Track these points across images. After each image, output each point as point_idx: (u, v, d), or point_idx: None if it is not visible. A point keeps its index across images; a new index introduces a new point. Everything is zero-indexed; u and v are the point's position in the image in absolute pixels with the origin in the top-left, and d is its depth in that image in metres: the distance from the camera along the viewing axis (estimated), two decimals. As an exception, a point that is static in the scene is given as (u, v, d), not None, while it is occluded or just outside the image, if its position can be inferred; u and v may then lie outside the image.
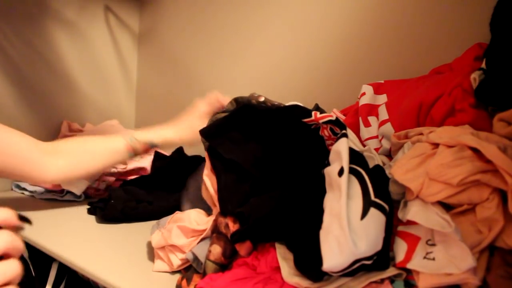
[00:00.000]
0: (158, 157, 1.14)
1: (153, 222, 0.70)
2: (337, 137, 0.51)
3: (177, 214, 0.63)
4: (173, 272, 0.58)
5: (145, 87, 1.38)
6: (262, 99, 0.68)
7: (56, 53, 1.12)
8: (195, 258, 0.55)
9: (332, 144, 0.50)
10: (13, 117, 1.02)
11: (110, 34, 1.28)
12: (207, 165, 0.58)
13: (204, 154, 0.60)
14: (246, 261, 0.51)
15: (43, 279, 0.85)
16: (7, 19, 0.99)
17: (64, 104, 1.15)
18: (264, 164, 0.55)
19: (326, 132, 0.55)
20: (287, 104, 0.57)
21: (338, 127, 0.53)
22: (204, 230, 0.57)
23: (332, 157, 0.49)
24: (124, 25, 1.32)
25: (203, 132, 0.58)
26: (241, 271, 0.49)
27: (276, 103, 0.69)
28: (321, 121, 0.53)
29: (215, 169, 0.56)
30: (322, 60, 0.91)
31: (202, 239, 0.57)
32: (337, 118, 0.52)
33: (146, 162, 1.12)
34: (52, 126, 1.12)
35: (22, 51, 1.03)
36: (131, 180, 1.03)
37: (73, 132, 1.14)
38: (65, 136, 1.11)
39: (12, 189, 1.02)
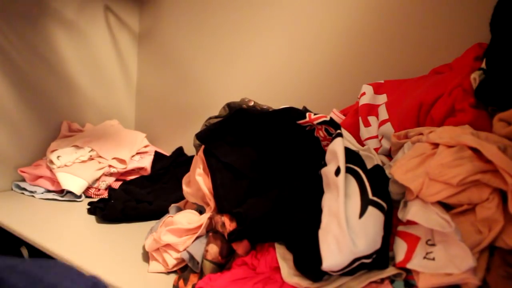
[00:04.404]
0: (158, 157, 1.15)
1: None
2: (332, 137, 0.51)
3: (168, 217, 0.63)
4: (170, 272, 0.58)
5: (145, 87, 1.38)
6: (251, 103, 0.70)
7: (56, 53, 1.12)
8: (191, 257, 0.55)
9: (328, 145, 0.50)
10: (13, 117, 1.02)
11: (110, 34, 1.28)
12: (199, 166, 0.59)
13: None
14: (245, 261, 0.51)
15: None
16: (7, 19, 0.99)
17: (64, 104, 1.15)
18: (260, 167, 0.55)
19: (321, 133, 0.55)
20: (281, 107, 0.57)
21: (332, 128, 0.53)
22: (197, 228, 0.57)
23: (328, 157, 0.49)
24: (124, 25, 1.32)
25: (198, 136, 0.58)
26: (240, 271, 0.49)
27: (265, 107, 0.70)
28: (315, 122, 0.53)
29: (210, 168, 0.56)
30: (322, 60, 0.91)
31: (197, 238, 0.56)
32: (331, 119, 0.52)
33: (146, 162, 1.13)
34: (52, 126, 1.12)
35: (22, 51, 1.03)
36: (131, 180, 1.03)
37: (73, 132, 1.14)
38: (65, 136, 1.11)
39: (12, 189, 1.02)
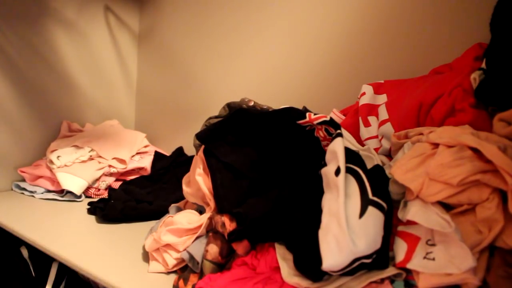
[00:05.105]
0: (158, 157, 1.15)
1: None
2: (332, 137, 0.51)
3: (168, 217, 0.62)
4: (170, 272, 0.58)
5: (145, 87, 1.38)
6: (251, 103, 0.70)
7: (56, 53, 1.12)
8: (191, 257, 0.55)
9: (328, 145, 0.50)
10: (13, 117, 1.02)
11: (110, 34, 1.28)
12: (199, 166, 0.59)
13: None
14: (245, 261, 0.51)
15: (43, 279, 0.85)
16: (7, 19, 0.99)
17: (64, 104, 1.15)
18: (260, 167, 0.55)
19: (321, 133, 0.55)
20: (281, 107, 0.57)
21: (332, 128, 0.53)
22: (198, 228, 0.57)
23: (328, 157, 0.49)
24: (124, 25, 1.32)
25: (199, 136, 0.58)
26: (240, 271, 0.49)
27: (265, 107, 0.70)
28: (315, 122, 0.53)
29: (210, 168, 0.56)
30: (322, 60, 0.91)
31: (197, 238, 0.56)
32: (331, 119, 0.52)
33: (146, 162, 1.13)
34: (52, 126, 1.12)
35: (22, 51, 1.03)
36: (131, 180, 1.03)
37: (73, 132, 1.14)
38: (65, 136, 1.11)
39: (12, 189, 1.02)
